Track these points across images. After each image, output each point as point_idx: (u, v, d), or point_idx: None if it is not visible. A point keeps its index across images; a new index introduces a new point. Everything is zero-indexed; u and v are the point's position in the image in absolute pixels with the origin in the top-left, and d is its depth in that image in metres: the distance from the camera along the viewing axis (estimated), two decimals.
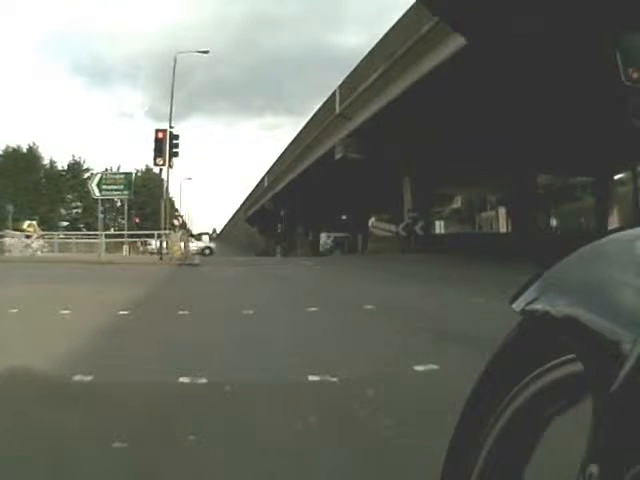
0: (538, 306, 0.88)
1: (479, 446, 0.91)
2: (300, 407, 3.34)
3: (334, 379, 3.93)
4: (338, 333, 6.36)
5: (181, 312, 7.69)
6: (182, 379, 3.91)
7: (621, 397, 0.66)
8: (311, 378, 3.95)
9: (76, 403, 3.45)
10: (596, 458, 0.66)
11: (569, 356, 0.81)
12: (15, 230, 34.95)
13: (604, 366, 0.70)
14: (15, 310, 7.79)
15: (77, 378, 3.99)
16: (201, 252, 42.61)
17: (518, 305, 0.92)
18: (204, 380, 3.90)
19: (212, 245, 52.83)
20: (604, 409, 0.69)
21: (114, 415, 3.18)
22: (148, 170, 66.17)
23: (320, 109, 38.78)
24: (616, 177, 41.33)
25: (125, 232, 34.19)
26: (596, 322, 0.76)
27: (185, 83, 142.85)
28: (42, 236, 32.41)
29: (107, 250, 29.03)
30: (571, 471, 0.70)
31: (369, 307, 8.32)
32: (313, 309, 8.09)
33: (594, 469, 0.65)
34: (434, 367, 4.29)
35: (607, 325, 0.74)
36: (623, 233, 0.85)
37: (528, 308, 0.90)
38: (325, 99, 37.32)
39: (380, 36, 27.02)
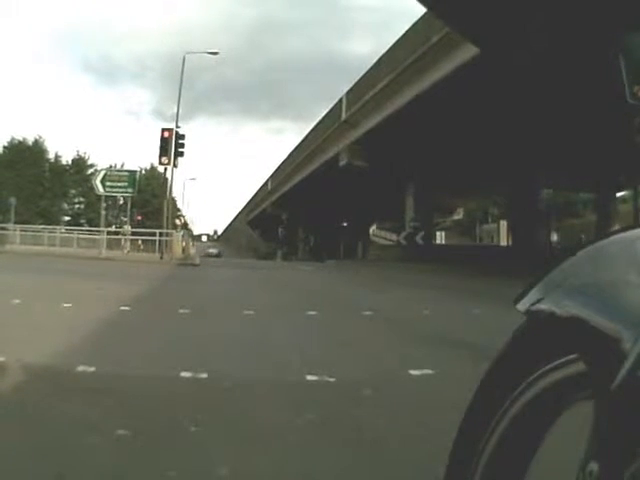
0: (542, 306, 0.89)
1: (482, 446, 0.92)
2: (298, 404, 3.43)
3: (331, 379, 4.02)
4: (336, 336, 6.44)
5: (182, 310, 7.77)
6: (183, 373, 4.01)
7: (621, 395, 0.67)
8: (309, 378, 4.05)
9: (80, 393, 3.54)
10: (596, 456, 0.67)
11: (572, 356, 0.81)
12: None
13: (606, 365, 0.71)
14: (18, 301, 7.86)
15: (80, 369, 4.07)
16: None
17: (523, 305, 0.92)
18: (205, 375, 4.00)
19: None
20: (605, 407, 0.70)
21: (117, 405, 3.27)
22: (152, 169, 66.19)
23: (326, 115, 38.92)
24: (618, 194, 41.43)
25: (128, 229, 34.14)
26: (599, 322, 0.77)
27: (192, 84, 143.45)
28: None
29: (108, 247, 29.11)
30: (572, 469, 0.71)
31: (368, 313, 8.40)
32: (312, 312, 8.16)
33: (594, 466, 0.66)
34: (429, 372, 4.38)
35: (609, 324, 0.75)
36: (625, 234, 0.86)
37: (533, 308, 0.90)
38: (331, 105, 37.46)
39: (388, 45, 27.18)
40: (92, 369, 4.08)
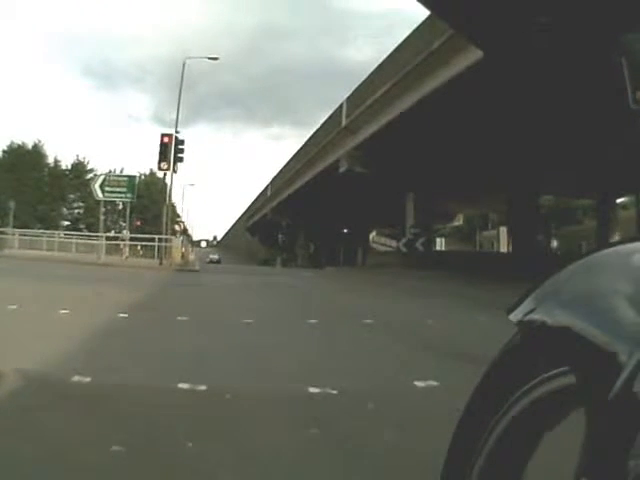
0: (535, 317, 0.88)
1: (474, 458, 0.90)
2: (300, 418, 3.31)
3: (334, 391, 3.89)
4: (337, 346, 6.32)
5: (180, 318, 7.65)
6: (182, 385, 3.87)
7: (614, 410, 0.66)
8: (311, 390, 3.91)
9: (74, 405, 3.41)
10: (588, 471, 0.66)
11: (564, 368, 0.80)
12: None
13: (598, 379, 0.70)
14: (14, 307, 7.74)
15: (75, 379, 3.95)
16: None
17: (515, 316, 0.92)
18: (204, 387, 3.86)
19: None
20: (596, 421, 0.68)
21: (112, 419, 3.14)
22: (152, 174, 66.06)
23: (326, 121, 38.81)
24: (619, 200, 41.33)
25: (126, 235, 34.01)
26: (592, 333, 0.75)
27: (192, 90, 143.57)
28: None
29: (106, 252, 28.99)
30: None
31: (368, 321, 8.29)
32: (312, 321, 8.05)
33: None
34: (434, 383, 4.25)
35: (603, 337, 0.73)
36: (620, 247, 0.85)
37: (525, 319, 0.90)
38: (331, 112, 37.37)
39: (389, 51, 27.12)
40: (87, 379, 3.96)
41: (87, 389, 3.77)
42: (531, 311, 0.89)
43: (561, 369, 0.80)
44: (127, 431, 2.91)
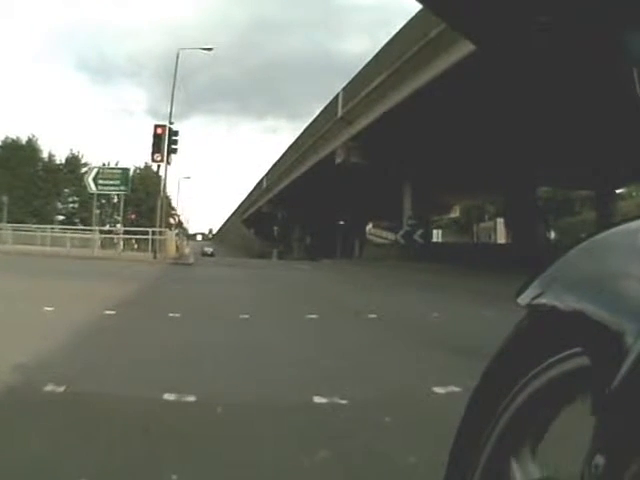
0: (543, 300, 0.87)
1: (485, 439, 0.88)
2: (306, 437, 2.81)
3: (343, 401, 3.38)
4: (342, 345, 5.82)
5: (172, 314, 7.16)
6: (167, 396, 3.35)
7: (624, 388, 0.66)
8: (317, 400, 3.39)
9: (41, 421, 2.91)
10: (602, 449, 0.66)
11: (575, 350, 0.78)
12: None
13: (609, 358, 0.69)
14: None
15: (48, 388, 3.45)
16: None
17: (523, 299, 0.91)
18: (192, 398, 3.34)
19: None
20: (609, 400, 0.68)
21: (83, 440, 2.63)
22: (147, 167, 65.59)
23: (322, 112, 38.37)
24: (618, 191, 41.01)
25: (120, 228, 33.54)
26: (601, 314, 0.75)
27: (187, 83, 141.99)
28: None
29: (101, 246, 28.61)
30: (576, 462, 0.69)
31: (372, 316, 7.84)
32: (312, 316, 7.59)
33: (600, 460, 0.65)
34: (456, 389, 3.74)
35: (612, 317, 0.73)
36: (626, 225, 0.83)
37: (534, 302, 0.88)
38: (327, 103, 36.90)
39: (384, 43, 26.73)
40: (61, 389, 3.45)
41: (59, 400, 3.27)
42: (539, 294, 0.88)
43: (572, 350, 0.79)
44: (99, 457, 2.42)
